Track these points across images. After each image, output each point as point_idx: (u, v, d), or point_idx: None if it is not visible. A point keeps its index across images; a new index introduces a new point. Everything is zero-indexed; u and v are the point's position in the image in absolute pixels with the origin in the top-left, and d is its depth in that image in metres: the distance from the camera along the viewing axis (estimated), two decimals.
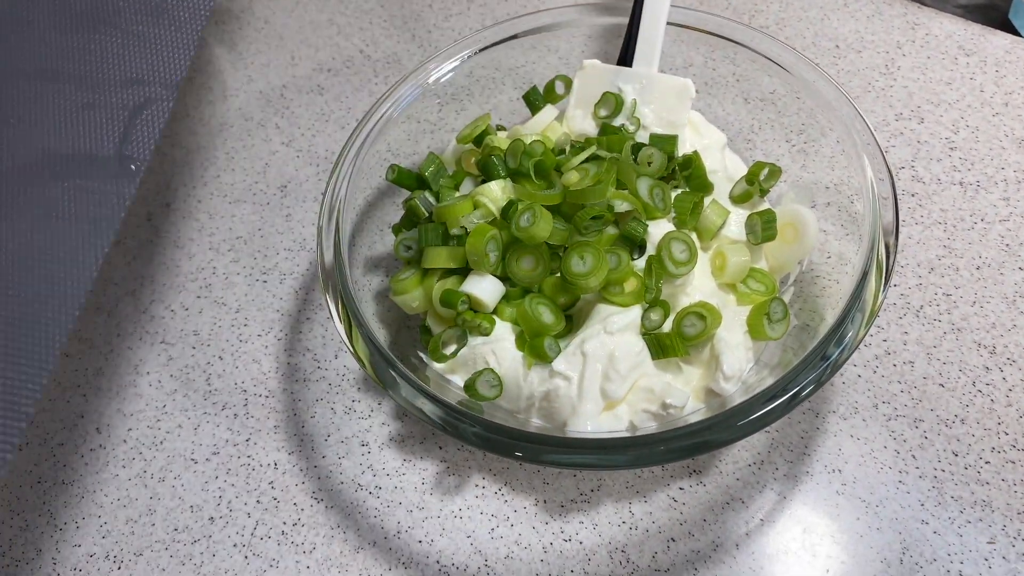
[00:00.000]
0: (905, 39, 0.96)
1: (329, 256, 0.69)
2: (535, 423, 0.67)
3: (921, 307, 0.78)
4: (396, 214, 0.82)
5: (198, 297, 0.89)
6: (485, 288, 0.67)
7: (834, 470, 0.71)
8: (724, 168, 0.77)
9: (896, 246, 0.64)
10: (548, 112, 0.80)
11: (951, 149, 0.87)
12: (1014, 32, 0.96)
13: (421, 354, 0.71)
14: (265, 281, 0.89)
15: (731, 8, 1.05)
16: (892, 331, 0.77)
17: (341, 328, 0.66)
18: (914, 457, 0.71)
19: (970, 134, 0.88)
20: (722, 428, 0.58)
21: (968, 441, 0.71)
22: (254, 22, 1.15)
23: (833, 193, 0.78)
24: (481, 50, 0.84)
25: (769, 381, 0.61)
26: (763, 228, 0.71)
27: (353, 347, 0.65)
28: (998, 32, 0.95)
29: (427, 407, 0.61)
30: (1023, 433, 0.71)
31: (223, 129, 1.03)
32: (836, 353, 0.60)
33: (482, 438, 0.60)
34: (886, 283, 0.63)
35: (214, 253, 0.92)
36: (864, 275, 0.63)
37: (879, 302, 0.62)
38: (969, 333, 0.76)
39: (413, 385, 0.62)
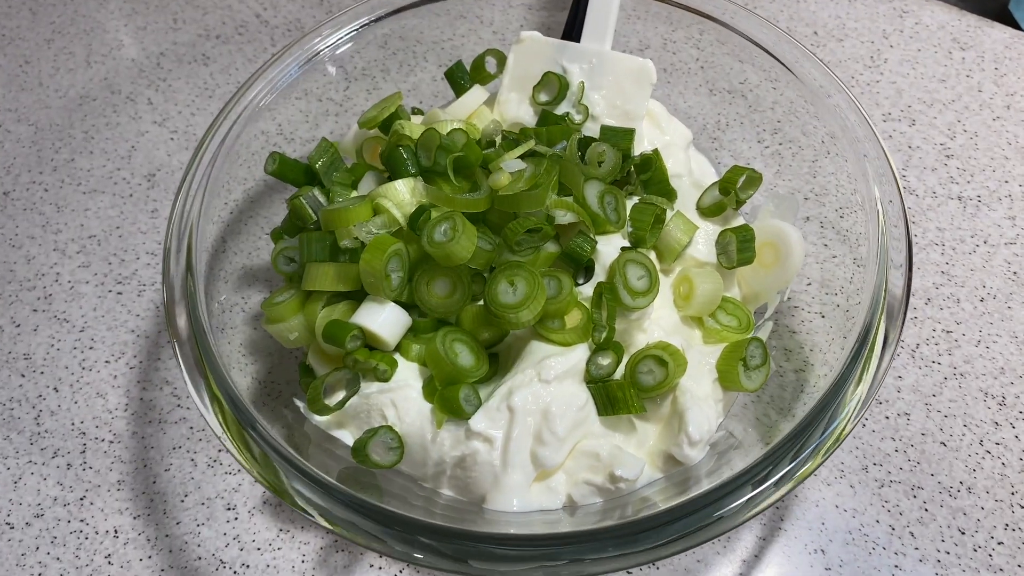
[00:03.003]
0: (892, 28, 0.84)
1: (179, 277, 0.53)
2: (446, 495, 0.52)
3: (917, 346, 0.65)
4: (284, 215, 0.65)
5: (34, 311, 0.71)
6: (384, 320, 0.51)
7: (816, 550, 0.58)
8: (689, 172, 0.63)
9: (906, 311, 0.50)
10: (475, 94, 0.64)
11: (947, 157, 0.75)
12: (1013, 24, 0.85)
13: (299, 403, 0.54)
14: (120, 293, 0.72)
15: None
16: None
17: (187, 379, 0.49)
18: (912, 535, 0.58)
19: (968, 140, 0.76)
20: (690, 532, 0.43)
21: (976, 515, 0.58)
22: None
23: (815, 205, 0.64)
24: (396, 11, 0.68)
25: (740, 463, 0.47)
26: (739, 248, 0.57)
27: (203, 400, 0.48)
28: (996, 24, 0.83)
29: (288, 484, 0.45)
30: None
31: (83, 103, 0.85)
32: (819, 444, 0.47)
33: (363, 530, 0.44)
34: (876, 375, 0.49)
35: (59, 255, 0.74)
36: (856, 355, 0.50)
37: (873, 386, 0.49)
38: (974, 379, 0.64)
39: (276, 454, 0.46)
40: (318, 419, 0.53)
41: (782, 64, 0.63)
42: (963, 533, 0.58)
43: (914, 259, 0.70)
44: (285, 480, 0.47)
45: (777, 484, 0.46)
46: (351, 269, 0.52)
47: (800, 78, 0.62)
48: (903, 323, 0.50)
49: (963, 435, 0.62)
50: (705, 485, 0.48)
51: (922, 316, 0.67)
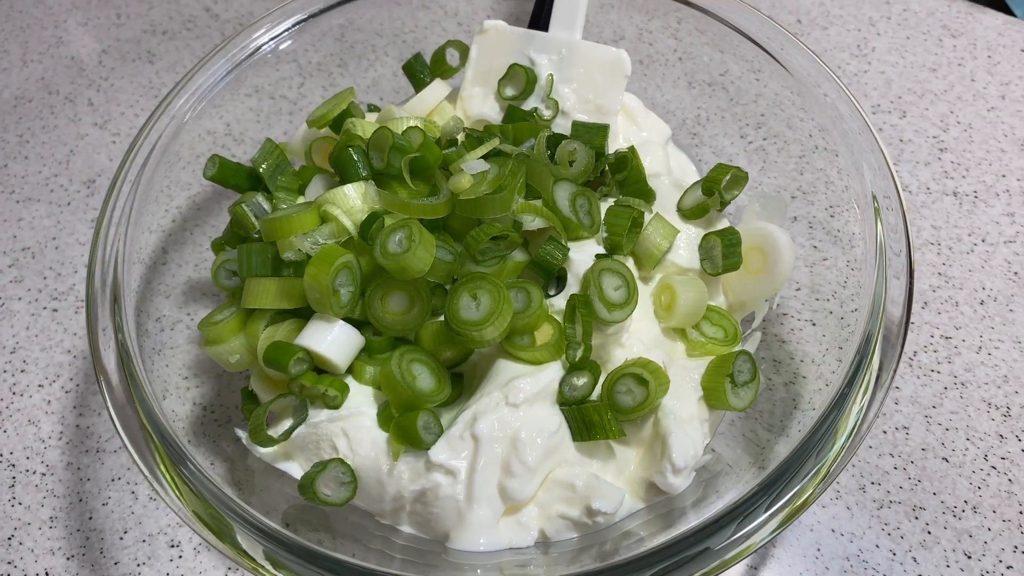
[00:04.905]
0: (879, 15, 0.79)
1: (104, 296, 0.47)
2: (405, 532, 0.47)
3: (915, 353, 0.61)
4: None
5: None
6: (332, 340, 0.46)
7: None
8: (668, 170, 0.59)
9: (908, 319, 0.46)
10: (436, 89, 0.59)
11: (941, 151, 0.71)
12: (1006, 11, 0.81)
13: (241, 433, 0.49)
14: (56, 310, 0.66)
15: None
16: None
17: (115, 419, 0.44)
18: (915, 560, 0.53)
19: (962, 132, 0.71)
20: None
21: (983, 537, 0.54)
22: None
23: (803, 203, 0.60)
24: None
25: (730, 491, 0.42)
26: (724, 253, 0.53)
27: (129, 440, 0.43)
28: (987, 10, 0.79)
29: (230, 530, 0.40)
30: None
31: (18, 104, 0.79)
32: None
33: None
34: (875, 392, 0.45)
35: None
36: (858, 366, 0.45)
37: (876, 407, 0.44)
38: (976, 389, 0.59)
39: (214, 497, 0.41)
40: (262, 451, 0.48)
41: (766, 52, 0.59)
42: (969, 557, 0.54)
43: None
44: (226, 526, 0.42)
45: (773, 515, 0.41)
46: (295, 284, 0.47)
47: (786, 67, 0.58)
48: (905, 333, 0.45)
49: (966, 450, 0.57)
50: (692, 517, 0.44)
51: (919, 321, 0.63)
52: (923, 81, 0.75)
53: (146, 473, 0.42)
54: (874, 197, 0.51)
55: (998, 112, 0.73)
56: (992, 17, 0.79)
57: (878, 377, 0.45)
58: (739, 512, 0.40)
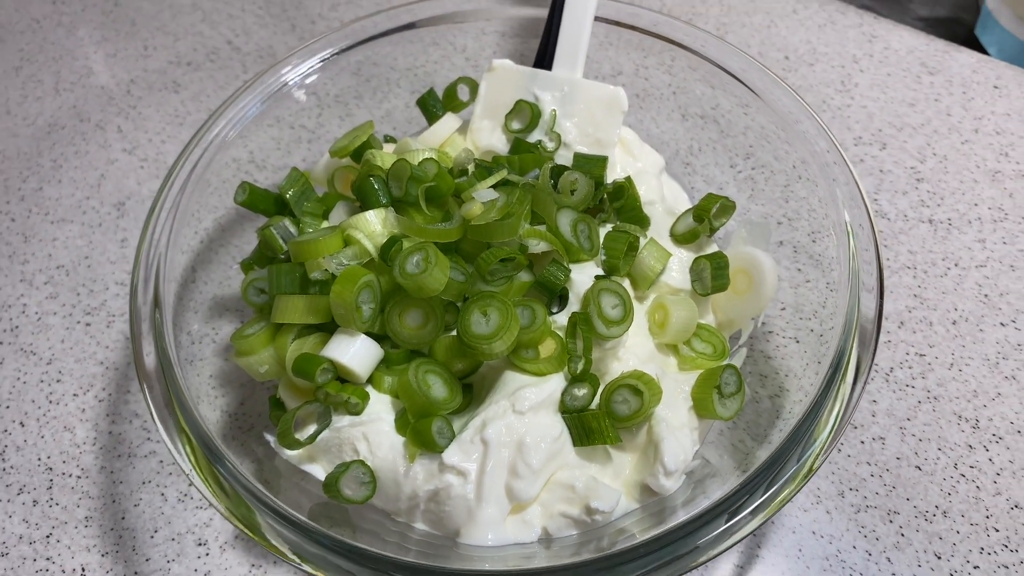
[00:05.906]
0: (862, 53, 0.84)
1: (146, 310, 0.52)
2: (420, 530, 0.51)
3: (891, 370, 0.66)
4: (255, 243, 0.64)
5: (0, 343, 0.70)
6: (355, 352, 0.51)
7: None
8: (662, 198, 0.63)
9: (878, 336, 0.50)
10: (448, 122, 0.64)
11: (918, 181, 0.75)
12: (980, 49, 0.86)
13: (269, 437, 0.53)
14: (88, 324, 0.71)
15: (665, 10, 0.92)
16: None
17: (155, 417, 0.48)
18: (889, 561, 0.58)
19: (938, 164, 0.76)
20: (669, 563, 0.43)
21: (952, 539, 0.58)
22: (101, 2, 0.95)
23: (788, 229, 0.64)
24: (369, 39, 0.68)
25: (716, 491, 0.47)
26: (713, 275, 0.57)
27: (172, 437, 0.47)
28: (963, 49, 0.84)
29: (259, 522, 0.44)
30: (1016, 529, 0.58)
31: (52, 131, 0.84)
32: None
33: (336, 567, 0.43)
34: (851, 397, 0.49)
35: (26, 287, 0.73)
36: (833, 374, 0.50)
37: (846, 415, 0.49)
38: (947, 402, 0.64)
39: (246, 491, 0.45)
40: (288, 453, 0.52)
41: (752, 91, 0.63)
42: (939, 558, 0.58)
43: (887, 283, 0.70)
44: (256, 518, 0.46)
45: (753, 513, 0.45)
46: (321, 301, 0.51)
47: (770, 105, 0.63)
48: (875, 348, 0.50)
49: (938, 459, 0.62)
50: (681, 515, 0.48)
51: (896, 339, 0.67)
52: (902, 115, 0.80)
53: (185, 471, 0.47)
54: (848, 224, 0.55)
55: (971, 145, 0.78)
56: (967, 55, 0.84)
57: (852, 389, 0.50)
58: (723, 508, 0.45)
